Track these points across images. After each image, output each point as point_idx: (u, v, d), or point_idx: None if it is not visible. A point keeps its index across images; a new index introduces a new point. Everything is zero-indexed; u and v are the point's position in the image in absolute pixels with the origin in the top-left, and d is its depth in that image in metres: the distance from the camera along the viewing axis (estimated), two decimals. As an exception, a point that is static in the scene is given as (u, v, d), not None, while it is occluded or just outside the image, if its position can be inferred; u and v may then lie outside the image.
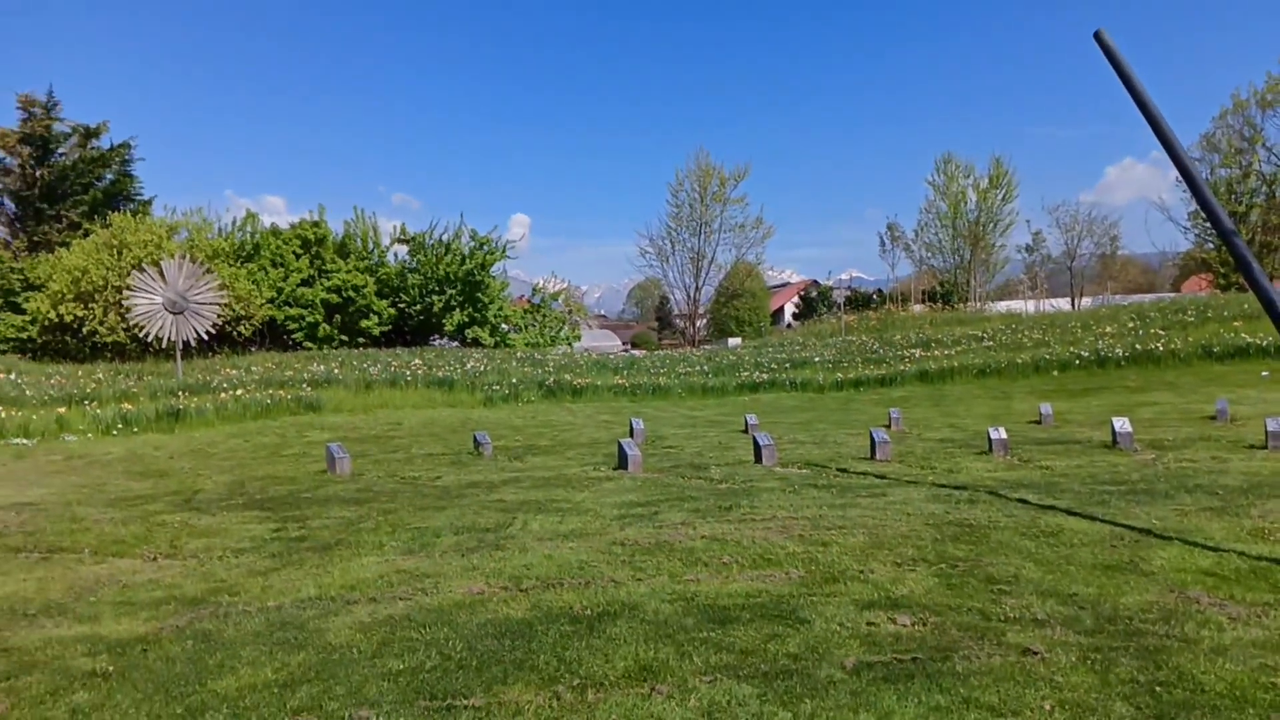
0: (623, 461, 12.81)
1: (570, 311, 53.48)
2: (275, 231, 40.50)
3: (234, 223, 41.43)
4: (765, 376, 30.47)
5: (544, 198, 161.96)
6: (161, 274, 25.65)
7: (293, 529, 8.90)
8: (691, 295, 67.75)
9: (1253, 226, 55.58)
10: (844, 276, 73.51)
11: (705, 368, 33.25)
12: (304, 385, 24.75)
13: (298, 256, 39.40)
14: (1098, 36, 8.20)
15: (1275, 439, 12.60)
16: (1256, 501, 8.69)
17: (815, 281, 75.46)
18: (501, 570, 6.89)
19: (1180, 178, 7.73)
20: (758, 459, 13.07)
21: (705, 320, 74.39)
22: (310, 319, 38.87)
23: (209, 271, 28.98)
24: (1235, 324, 29.24)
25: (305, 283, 39.29)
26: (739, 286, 68.47)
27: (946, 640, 5.18)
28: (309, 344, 38.78)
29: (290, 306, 38.69)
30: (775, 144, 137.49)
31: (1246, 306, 32.12)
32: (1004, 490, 9.86)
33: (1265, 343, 25.83)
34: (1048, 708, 4.23)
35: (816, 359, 33.88)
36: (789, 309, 78.42)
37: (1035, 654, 4.91)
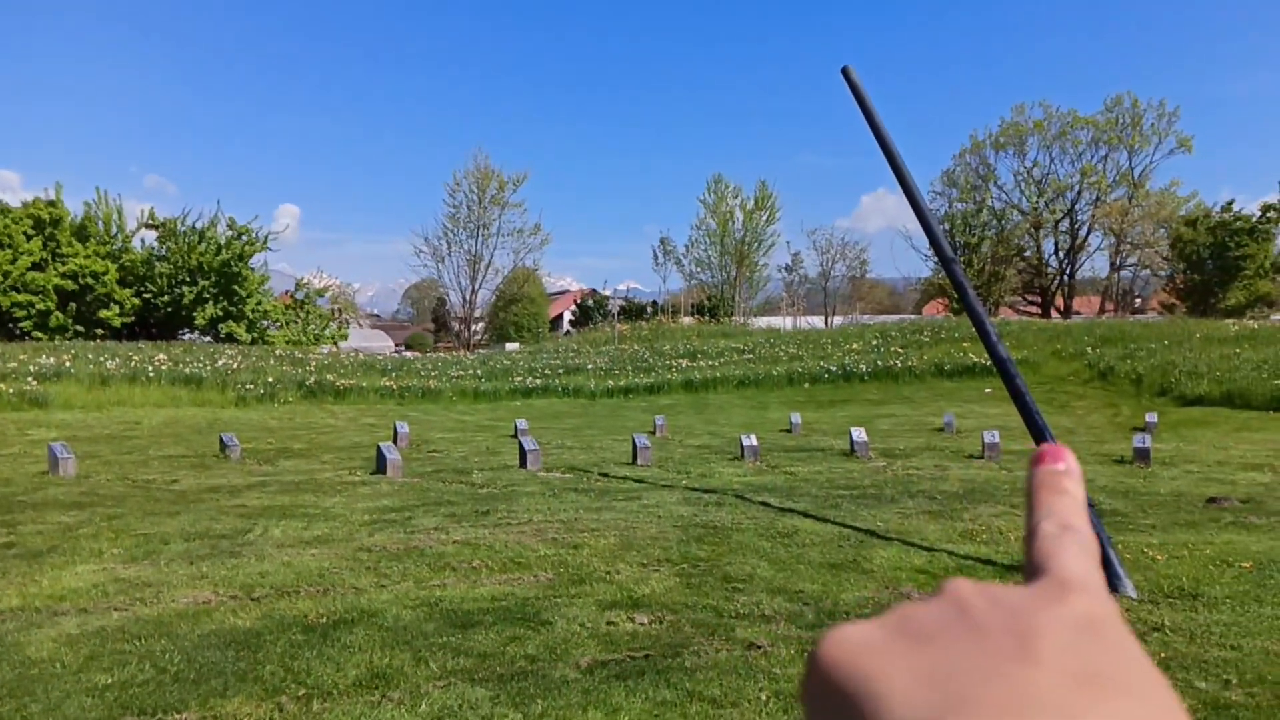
0: (381, 466, 12.46)
1: (339, 310, 51.48)
2: (3, 209, 36.46)
3: (-48, 196, 37.11)
4: (539, 382, 30.54)
5: (316, 189, 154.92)
6: None
7: (0, 534, 8.06)
8: (467, 298, 66.82)
9: (984, 257, 61.48)
10: (622, 287, 75.03)
11: (479, 372, 32.92)
12: (29, 379, 22.42)
13: (29, 238, 35.58)
14: (845, 73, 8.79)
15: (990, 450, 13.96)
16: (969, 506, 9.58)
17: (594, 290, 76.42)
18: (233, 578, 6.52)
19: (910, 206, 8.43)
20: (523, 464, 13.08)
21: (484, 325, 73.64)
22: (41, 306, 35.23)
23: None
24: (964, 344, 32.08)
25: (36, 266, 35.55)
26: (518, 292, 68.31)
27: (680, 637, 5.38)
28: (39, 333, 35.12)
29: (18, 292, 34.90)
30: (555, 153, 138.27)
31: (974, 329, 35.31)
32: (750, 494, 10.36)
33: (988, 362, 28.53)
34: (764, 698, 4.48)
35: (590, 366, 34.32)
36: (567, 316, 79.12)
37: (759, 648, 5.19)
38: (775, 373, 30.21)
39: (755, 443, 13.97)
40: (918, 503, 9.80)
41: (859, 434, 14.59)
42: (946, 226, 61.97)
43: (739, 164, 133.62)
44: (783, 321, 58.92)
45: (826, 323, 62.20)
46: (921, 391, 27.57)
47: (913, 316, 55.53)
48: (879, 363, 30.35)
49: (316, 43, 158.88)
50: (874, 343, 34.97)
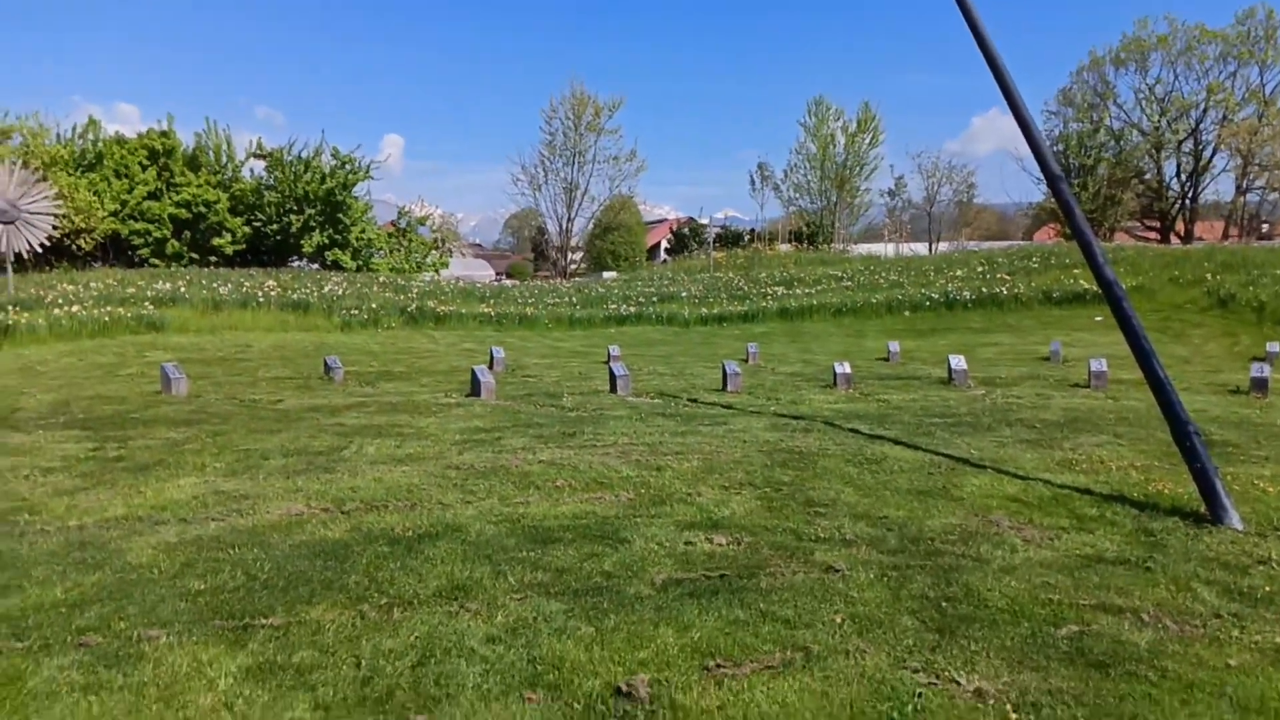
0: (475, 388, 12.69)
1: (442, 239, 52.18)
2: (120, 140, 37.81)
3: (74, 129, 38.60)
4: (633, 309, 30.60)
5: (420, 119, 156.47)
6: (-11, 180, 23.74)
7: (111, 449, 8.48)
8: (564, 226, 67.04)
9: (1099, 179, 58.62)
10: (719, 215, 74.01)
11: (574, 299, 33.14)
12: (146, 303, 23.48)
13: (144, 168, 36.94)
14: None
15: (1097, 378, 13.43)
16: (1070, 435, 9.24)
17: (691, 218, 75.65)
18: (326, 492, 6.73)
19: (1013, 116, 8.00)
20: (612, 389, 13.16)
21: (581, 254, 73.92)
22: (157, 234, 36.70)
23: (43, 179, 26.94)
24: (1075, 271, 30.81)
25: (152, 196, 36.94)
26: (614, 220, 68.21)
27: (757, 559, 5.34)
28: (156, 261, 36.63)
29: (135, 220, 36.37)
30: (651, 79, 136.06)
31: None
32: (839, 421, 10.20)
33: (1100, 289, 27.42)
34: (839, 620, 4.41)
35: (684, 294, 34.20)
36: (664, 244, 78.75)
37: (837, 571, 5.11)
38: (874, 300, 29.60)
39: (849, 370, 13.73)
40: (1015, 431, 9.50)
41: (958, 361, 14.19)
42: (1060, 147, 59.22)
43: (842, 86, 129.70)
44: (884, 249, 57.43)
45: (930, 249, 60.44)
46: (1028, 320, 26.68)
47: (1022, 243, 53.42)
48: (984, 290, 29.42)
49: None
50: (979, 269, 33.88)
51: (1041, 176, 58.03)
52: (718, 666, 3.91)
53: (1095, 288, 27.30)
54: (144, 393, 12.84)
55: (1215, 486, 6.25)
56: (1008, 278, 31.20)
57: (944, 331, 25.01)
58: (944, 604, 4.67)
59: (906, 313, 28.46)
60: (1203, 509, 6.32)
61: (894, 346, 18.91)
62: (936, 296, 29.19)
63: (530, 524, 6.01)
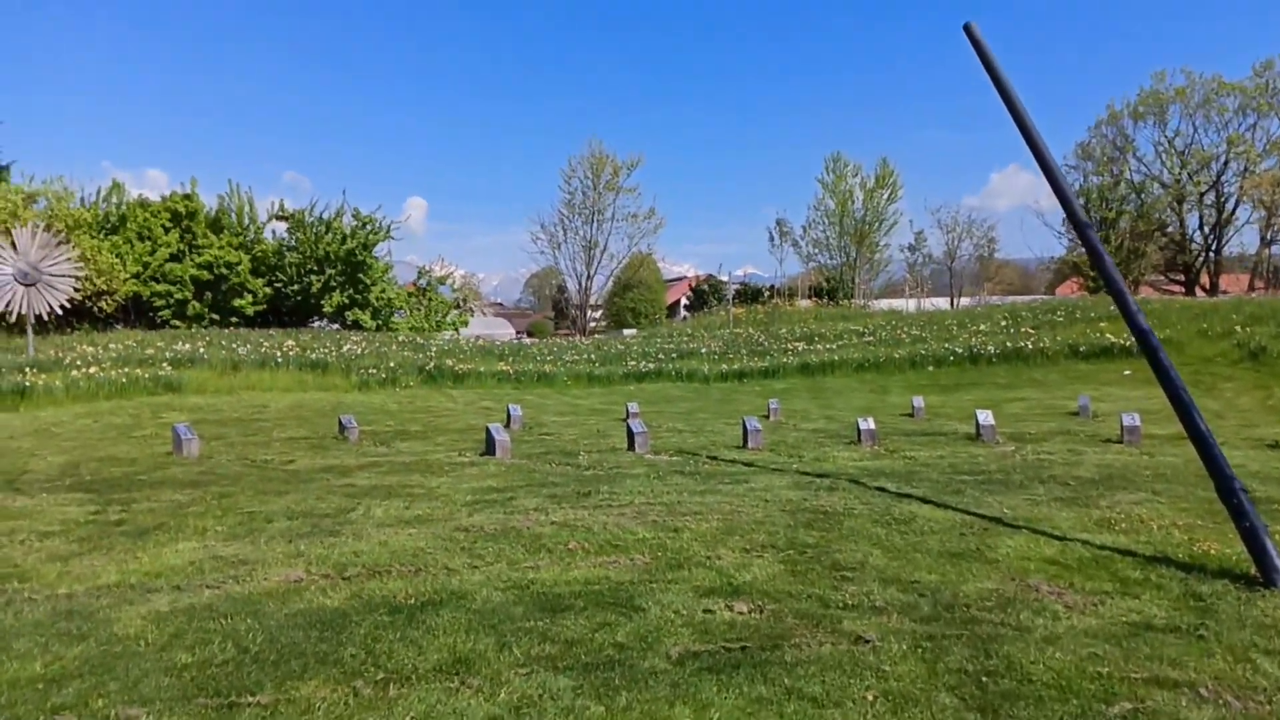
0: (490, 447, 12.43)
1: (463, 299, 52.39)
2: (143, 203, 38.23)
3: (99, 192, 39.13)
4: (652, 366, 30.35)
5: (442, 182, 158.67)
6: (12, 243, 23.93)
7: (113, 512, 8.25)
8: (583, 284, 67.25)
9: (1122, 233, 58.28)
10: (739, 272, 74.07)
11: (593, 356, 32.96)
12: (164, 364, 23.45)
13: (166, 230, 37.25)
14: (968, 30, 8.19)
15: (1130, 433, 12.99)
16: (1106, 493, 8.85)
17: (710, 275, 75.77)
18: (328, 557, 6.45)
19: (1036, 162, 7.77)
20: (630, 446, 12.86)
21: (601, 312, 74.05)
22: (179, 296, 36.88)
23: (64, 242, 27.19)
24: (1101, 324, 30.38)
25: (174, 258, 37.20)
26: (633, 278, 68.40)
27: (781, 628, 5.00)
28: (177, 322, 36.76)
29: (157, 282, 36.58)
30: (669, 139, 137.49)
31: (1112, 308, 33.45)
32: (865, 478, 9.85)
33: (1128, 343, 26.91)
34: (870, 698, 4.06)
35: (704, 350, 33.95)
36: (684, 301, 78.86)
37: (867, 642, 4.77)
38: (897, 355, 29.21)
39: (873, 426, 13.38)
40: (1049, 489, 9.11)
41: (985, 417, 13.81)
42: (1082, 201, 58.96)
43: (858, 143, 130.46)
44: (905, 304, 57.15)
45: (952, 304, 60.09)
46: (1054, 374, 26.18)
47: (1045, 297, 53.02)
48: (1008, 344, 28.97)
49: (436, 42, 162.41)
50: (1003, 323, 33.46)
51: (1067, 226, 57.95)
52: (738, 752, 3.57)
53: (1122, 341, 26.87)
54: (155, 454, 12.65)
55: (1266, 546, 5.87)
56: (1032, 332, 30.77)
57: (969, 386, 24.57)
58: (984, 679, 4.31)
59: (930, 368, 28.05)
60: (1253, 570, 5.94)
61: (918, 402, 18.52)
62: (960, 351, 28.78)
63: (540, 590, 5.70)
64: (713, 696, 4.07)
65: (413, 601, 5.46)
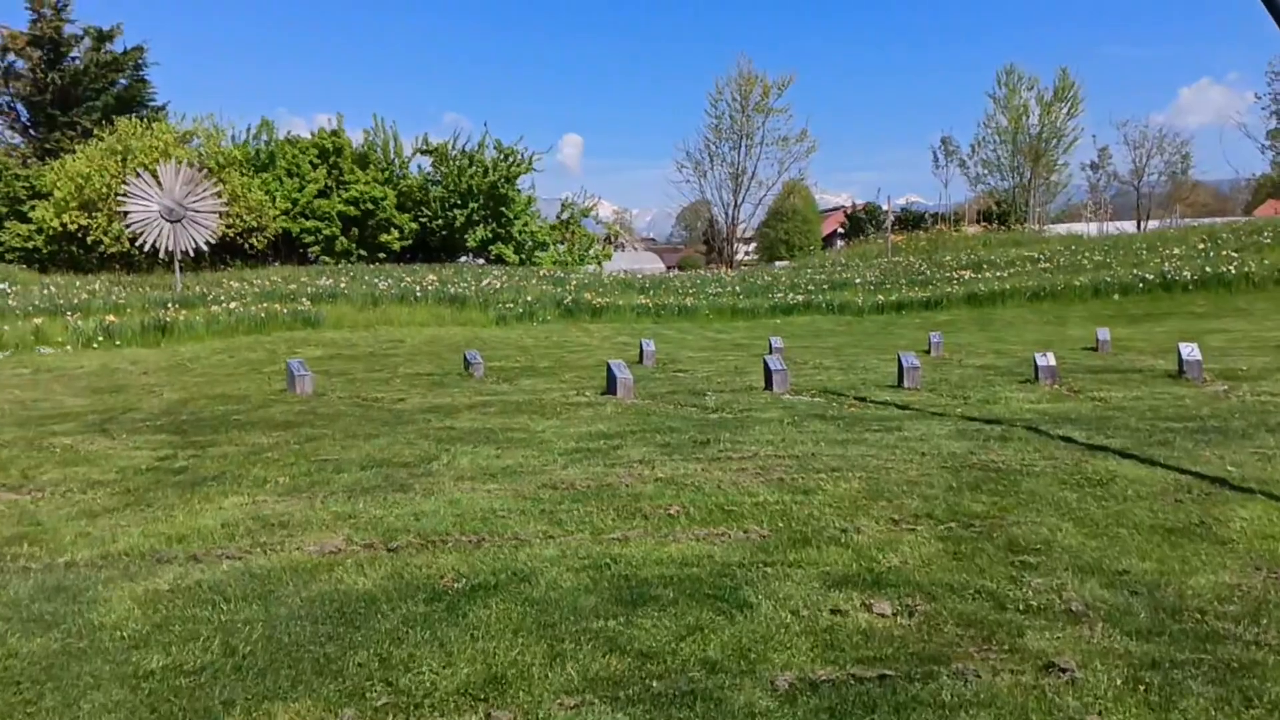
0: (611, 386, 11.29)
1: (615, 234, 51.41)
2: (292, 140, 38.67)
3: (248, 130, 39.84)
4: (800, 298, 28.65)
5: (598, 118, 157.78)
6: (158, 180, 24.34)
7: (183, 457, 7.53)
8: (730, 213, 64.72)
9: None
10: (900, 201, 69.99)
11: (737, 289, 31.45)
12: (304, 299, 23.44)
13: (314, 166, 37.54)
14: None
15: (1374, 370, 10.68)
16: (1358, 444, 6.95)
17: (869, 203, 71.84)
18: (381, 520, 5.41)
19: None
20: (768, 385, 11.47)
21: (754, 245, 71.68)
22: (327, 232, 37.27)
23: (209, 178, 27.56)
24: (1318, 245, 26.75)
25: (322, 194, 37.49)
26: (785, 205, 65.70)
27: (937, 643, 3.61)
28: (326, 258, 37.19)
29: (306, 218, 37.00)
30: (825, 58, 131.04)
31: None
32: (1046, 425, 8.16)
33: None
34: (1075, 784, 2.65)
35: (858, 280, 31.90)
36: (839, 231, 75.58)
37: (1063, 672, 3.33)
38: (1077, 283, 26.46)
39: (1053, 362, 11.49)
40: (1280, 439, 7.24)
41: (1190, 350, 11.66)
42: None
43: (1033, 60, 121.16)
44: (1085, 228, 52.44)
45: (1139, 227, 54.96)
46: (1261, 302, 23.09)
47: (1245, 218, 47.61)
48: (1207, 269, 25.77)
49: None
50: (1200, 246, 29.94)
51: (1272, 139, 51.84)
52: None
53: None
54: (269, 391, 12.14)
55: None
56: (1236, 255, 27.30)
57: (1161, 317, 21.86)
58: (1251, 746, 2.82)
59: (1115, 296, 25.25)
60: None
61: (1103, 334, 16.27)
62: (1151, 277, 25.78)
63: (622, 572, 4.49)
64: (831, 767, 2.75)
65: (460, 585, 4.34)
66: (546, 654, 3.58)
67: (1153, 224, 55.56)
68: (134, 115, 36.27)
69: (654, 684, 3.31)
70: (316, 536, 5.11)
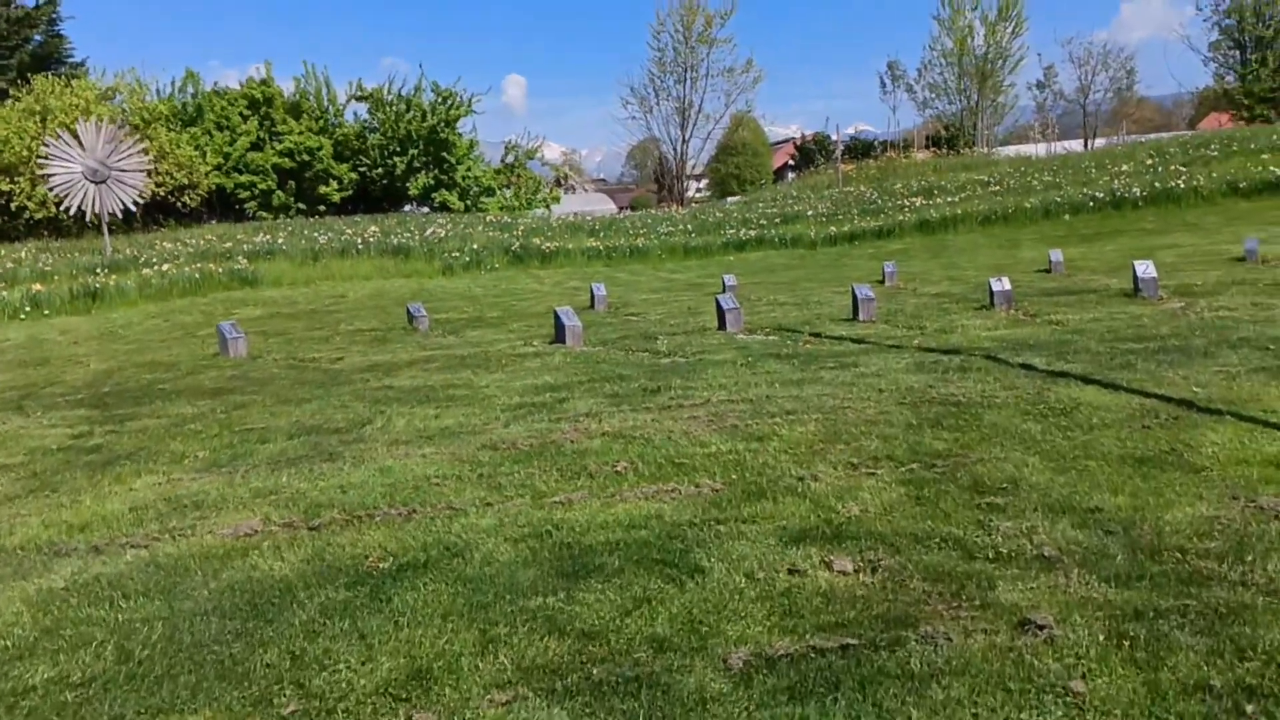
0: (560, 334, 10.91)
1: (564, 176, 50.31)
2: (219, 92, 37.01)
3: (173, 83, 38.10)
4: (753, 234, 28.29)
5: (541, 57, 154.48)
6: (78, 139, 23.20)
7: (99, 434, 7.06)
8: (678, 149, 63.65)
9: (1280, 54, 51.78)
10: (849, 130, 69.26)
11: (688, 227, 30.98)
12: (240, 258, 22.61)
13: (245, 119, 36.04)
14: None
15: (1326, 279, 10.58)
16: (1320, 356, 6.79)
17: (817, 133, 70.94)
18: (303, 495, 5.02)
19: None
20: (721, 325, 11.17)
21: (705, 182, 70.78)
22: (263, 186, 35.89)
23: (133, 135, 26.37)
24: (1263, 156, 26.77)
25: (255, 146, 36.04)
26: (735, 139, 64.80)
27: (903, 603, 3.33)
28: (264, 214, 35.86)
29: (240, 173, 35.56)
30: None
31: (1276, 138, 29.49)
32: (1005, 353, 7.92)
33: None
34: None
35: (809, 213, 31.57)
36: (790, 164, 74.80)
37: (1040, 629, 3.06)
38: (1028, 205, 26.33)
39: (1008, 287, 11.27)
40: (1244, 357, 7.06)
41: (1145, 268, 11.48)
42: (1233, 20, 52.60)
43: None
44: (1034, 149, 52.31)
45: (1086, 145, 54.99)
46: (1210, 216, 23.10)
47: (1190, 132, 47.75)
48: (1156, 185, 25.73)
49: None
50: (1148, 162, 29.92)
51: (1215, 50, 51.98)
52: None
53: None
54: (200, 356, 11.62)
55: None
56: (1183, 170, 27.30)
57: (1111, 235, 21.79)
58: (1247, 706, 2.57)
59: (1066, 216, 25.15)
60: None
61: (1056, 255, 16.13)
62: (1101, 195, 25.68)
63: (564, 539, 4.16)
64: (791, 762, 2.45)
65: (387, 565, 3.99)
66: (478, 641, 3.24)
67: (1100, 142, 55.65)
68: (51, 73, 34.52)
69: (595, 670, 2.99)
70: (232, 518, 4.71)
